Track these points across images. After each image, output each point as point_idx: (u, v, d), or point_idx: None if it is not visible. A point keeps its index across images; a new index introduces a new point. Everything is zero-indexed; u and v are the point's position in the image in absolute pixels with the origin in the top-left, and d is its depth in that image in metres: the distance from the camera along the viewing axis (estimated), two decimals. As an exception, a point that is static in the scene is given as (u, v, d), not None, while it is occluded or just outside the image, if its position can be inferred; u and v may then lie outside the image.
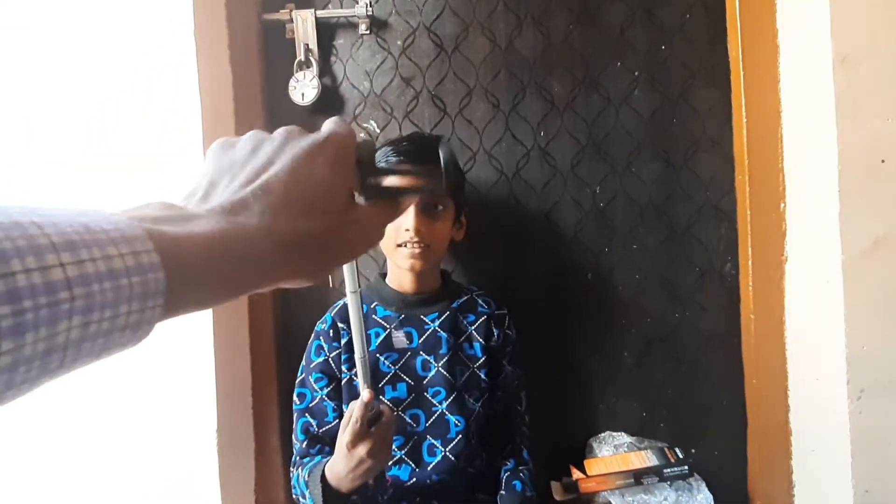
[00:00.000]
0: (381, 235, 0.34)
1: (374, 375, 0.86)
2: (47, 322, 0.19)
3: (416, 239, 0.84)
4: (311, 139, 0.31)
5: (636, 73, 1.05)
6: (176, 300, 0.24)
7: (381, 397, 0.85)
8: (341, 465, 0.69)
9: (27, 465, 0.92)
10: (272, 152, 0.30)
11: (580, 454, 1.03)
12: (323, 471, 0.73)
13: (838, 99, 0.85)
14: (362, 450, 0.66)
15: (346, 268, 0.61)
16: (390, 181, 0.36)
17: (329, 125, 0.32)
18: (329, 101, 1.07)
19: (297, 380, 0.91)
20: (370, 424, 0.67)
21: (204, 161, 0.31)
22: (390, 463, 0.84)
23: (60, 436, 0.91)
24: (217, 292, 0.26)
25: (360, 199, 0.35)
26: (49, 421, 0.91)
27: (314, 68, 1.05)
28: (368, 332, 0.89)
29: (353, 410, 0.67)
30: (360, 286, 0.63)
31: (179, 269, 0.24)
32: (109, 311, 0.21)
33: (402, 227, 0.84)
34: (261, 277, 0.28)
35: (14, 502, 0.91)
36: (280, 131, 0.31)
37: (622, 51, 1.05)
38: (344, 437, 0.67)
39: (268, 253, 0.27)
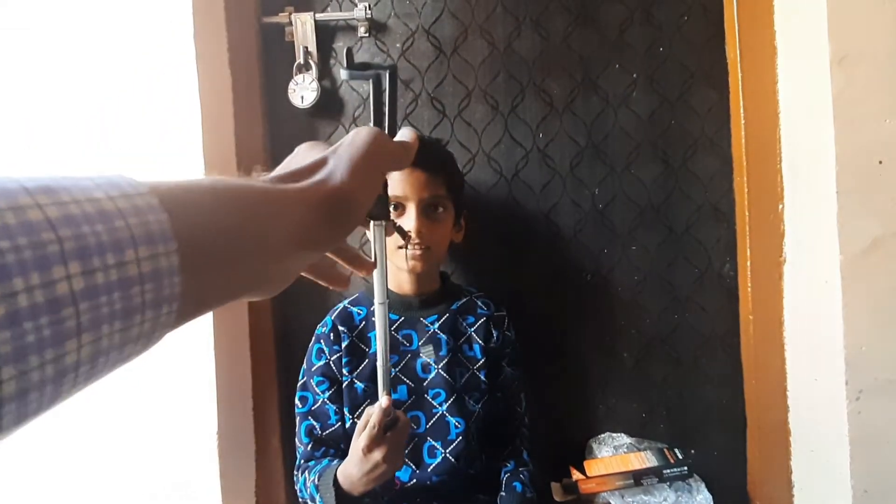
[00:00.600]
0: (396, 152, 0.35)
1: (376, 378, 0.86)
2: (36, 265, 0.16)
3: (416, 240, 0.84)
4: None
5: (635, 75, 1.05)
6: (194, 251, 0.21)
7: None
8: (355, 470, 0.69)
9: (27, 467, 0.92)
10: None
11: (580, 455, 1.03)
12: (335, 474, 0.73)
13: (836, 100, 0.85)
14: (378, 455, 0.66)
15: (375, 278, 0.61)
16: None
17: None
18: (328, 103, 1.08)
19: (299, 383, 0.91)
20: (386, 430, 0.67)
21: None
22: None
23: (60, 438, 0.91)
24: (241, 241, 0.24)
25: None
26: (49, 423, 0.91)
27: (313, 71, 1.05)
28: (369, 334, 0.89)
29: (372, 416, 0.67)
30: (388, 297, 0.63)
31: (187, 210, 0.22)
32: (113, 257, 0.18)
33: (404, 229, 0.84)
34: (286, 217, 0.27)
35: (15, 505, 0.92)
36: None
37: (621, 52, 1.05)
38: (360, 442, 0.67)
39: (280, 184, 0.28)
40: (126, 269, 0.19)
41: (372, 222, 0.61)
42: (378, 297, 0.61)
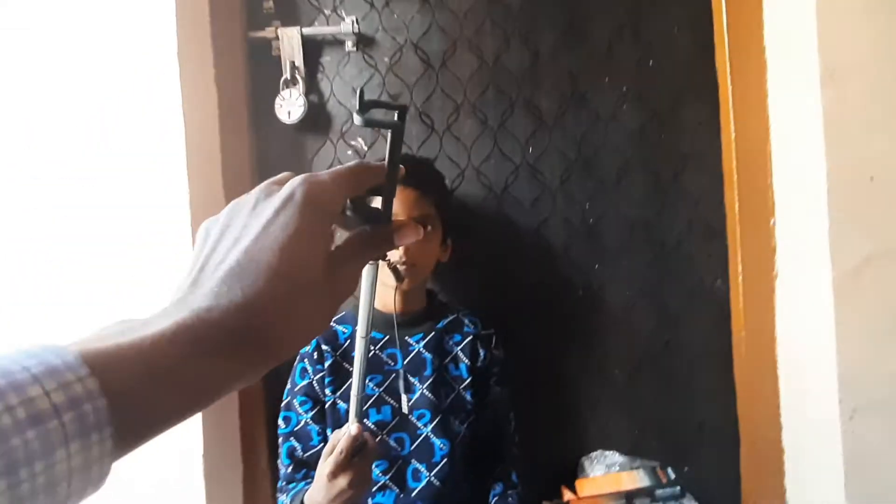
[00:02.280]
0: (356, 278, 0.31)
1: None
2: None
3: (404, 258, 0.84)
4: (279, 197, 0.28)
5: (624, 89, 1.04)
6: (131, 420, 0.21)
7: (366, 421, 0.84)
8: (320, 496, 0.68)
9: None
10: (242, 223, 0.27)
11: (572, 473, 1.02)
12: (303, 499, 0.72)
13: (826, 115, 0.85)
14: (343, 481, 0.65)
15: (361, 313, 0.62)
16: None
17: (298, 178, 0.29)
18: (316, 118, 1.07)
19: (283, 403, 0.90)
20: (353, 455, 0.66)
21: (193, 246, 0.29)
22: (374, 489, 0.83)
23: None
24: (187, 391, 0.23)
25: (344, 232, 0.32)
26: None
27: (300, 86, 1.04)
28: (352, 353, 0.88)
29: (339, 442, 0.66)
30: (370, 331, 0.63)
31: (127, 384, 0.21)
32: (41, 463, 0.18)
33: (398, 269, 0.84)
34: (236, 360, 0.24)
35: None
36: (253, 193, 0.29)
37: (610, 67, 1.05)
38: (325, 468, 0.66)
39: (235, 330, 0.24)
40: (55, 470, 0.18)
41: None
42: (360, 331, 0.62)
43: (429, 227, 0.88)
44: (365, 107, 0.37)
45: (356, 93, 0.38)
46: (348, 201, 0.32)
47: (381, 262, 0.87)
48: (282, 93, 1.04)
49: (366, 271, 0.61)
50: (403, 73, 1.07)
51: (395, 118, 0.37)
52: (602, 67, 1.05)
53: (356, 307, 0.93)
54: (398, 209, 0.84)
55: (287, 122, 1.04)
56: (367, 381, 0.86)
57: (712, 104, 1.03)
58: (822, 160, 0.85)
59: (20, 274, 0.96)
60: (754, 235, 0.98)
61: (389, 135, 0.36)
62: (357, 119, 0.37)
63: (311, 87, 1.07)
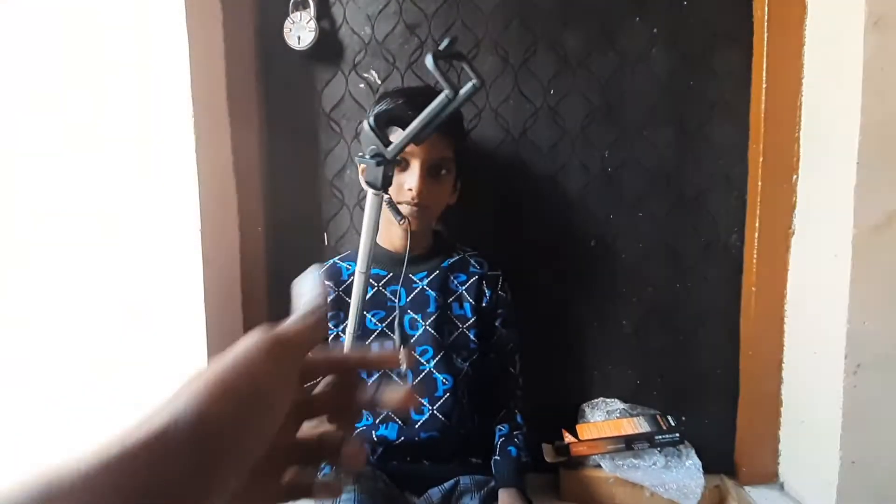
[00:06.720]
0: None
1: (363, 333, 0.85)
2: None
3: (416, 200, 0.81)
4: None
5: (655, 30, 0.99)
6: None
7: None
8: None
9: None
10: None
11: (573, 419, 1.04)
12: None
13: (867, 65, 0.81)
14: None
15: (362, 245, 0.60)
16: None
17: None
18: (327, 46, 1.00)
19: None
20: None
21: None
22: (377, 421, 0.84)
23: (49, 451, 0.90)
24: None
25: None
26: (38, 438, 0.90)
27: (311, 9, 0.98)
28: None
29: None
30: (370, 266, 0.61)
31: None
32: None
33: (405, 186, 0.81)
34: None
35: None
36: None
37: (642, 5, 0.99)
38: None
39: None
40: None
41: (370, 191, 0.59)
42: (360, 266, 0.60)
43: (443, 171, 0.85)
44: (447, 55, 0.35)
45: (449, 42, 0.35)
46: None
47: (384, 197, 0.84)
48: (291, 16, 0.98)
49: (369, 201, 0.59)
50: (422, 2, 1.00)
51: (453, 90, 0.33)
52: (633, 6, 0.99)
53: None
54: (415, 149, 0.78)
55: (296, 48, 0.98)
56: (370, 316, 0.86)
57: (745, 51, 0.98)
58: (857, 114, 0.82)
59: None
60: (775, 190, 0.97)
61: (439, 97, 0.34)
62: (429, 59, 0.35)
63: (323, 11, 1.00)
